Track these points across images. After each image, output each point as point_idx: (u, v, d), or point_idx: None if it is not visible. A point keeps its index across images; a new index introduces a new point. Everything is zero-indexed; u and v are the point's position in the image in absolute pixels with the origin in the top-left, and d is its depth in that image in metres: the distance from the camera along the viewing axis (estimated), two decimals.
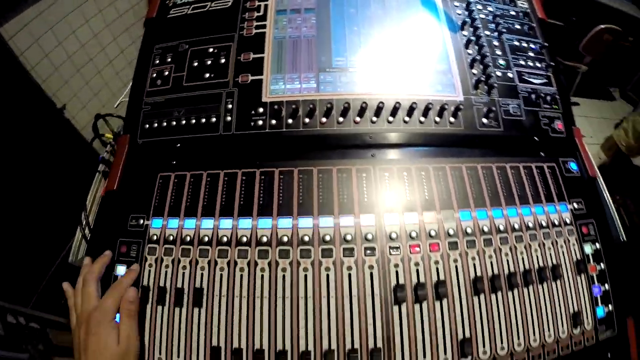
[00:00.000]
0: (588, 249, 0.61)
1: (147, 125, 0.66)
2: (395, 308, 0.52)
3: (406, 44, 0.68)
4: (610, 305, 0.59)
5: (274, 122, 0.62)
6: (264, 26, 0.68)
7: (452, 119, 0.63)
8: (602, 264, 0.61)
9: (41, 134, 1.49)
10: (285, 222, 0.56)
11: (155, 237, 0.57)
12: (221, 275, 0.54)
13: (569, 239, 0.60)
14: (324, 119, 0.62)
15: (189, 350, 0.51)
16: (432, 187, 0.59)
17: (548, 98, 0.67)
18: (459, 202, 0.59)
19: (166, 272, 0.55)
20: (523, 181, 0.62)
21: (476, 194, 0.59)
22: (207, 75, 0.66)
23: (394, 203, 0.57)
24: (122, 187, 0.63)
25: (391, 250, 0.55)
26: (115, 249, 0.58)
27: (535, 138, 0.65)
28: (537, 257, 0.58)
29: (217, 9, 0.72)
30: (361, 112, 0.62)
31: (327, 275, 0.53)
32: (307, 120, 0.62)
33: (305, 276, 0.53)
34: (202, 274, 0.54)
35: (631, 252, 0.69)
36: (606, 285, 0.60)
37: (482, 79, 0.65)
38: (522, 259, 0.57)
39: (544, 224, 0.60)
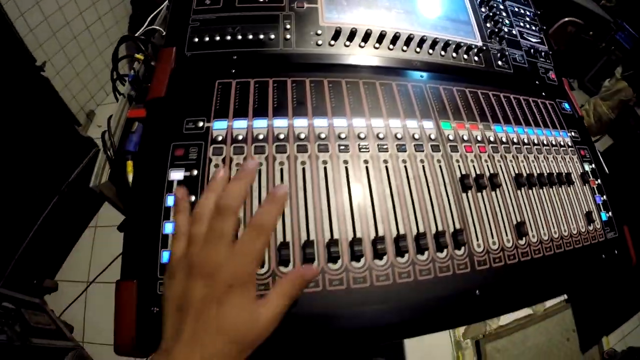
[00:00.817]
0: (587, 166, 0.75)
1: (197, 39, 0.65)
2: (464, 195, 0.58)
3: None
4: (610, 212, 0.72)
5: (332, 42, 0.66)
6: None
7: (476, 58, 0.75)
8: (598, 180, 0.75)
9: (20, 88, 1.25)
10: (359, 122, 0.59)
11: (220, 138, 0.55)
12: (303, 169, 0.53)
13: (573, 157, 0.73)
14: (377, 44, 0.68)
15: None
16: (470, 105, 0.68)
17: (542, 53, 0.84)
18: (492, 118, 0.68)
19: (237, 170, 0.53)
20: (534, 110, 0.75)
21: (502, 114, 0.70)
22: None
23: (446, 113, 0.65)
24: (171, 94, 0.59)
25: (451, 148, 0.61)
26: (167, 154, 0.54)
27: (537, 82, 0.80)
28: (554, 165, 0.70)
29: None
30: (408, 41, 0.70)
31: (405, 167, 0.57)
32: (362, 44, 0.68)
33: (386, 167, 0.56)
34: (281, 169, 0.53)
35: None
36: (604, 197, 0.73)
37: (495, 31, 0.79)
38: (545, 165, 0.68)
39: (553, 142, 0.72)
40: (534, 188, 0.64)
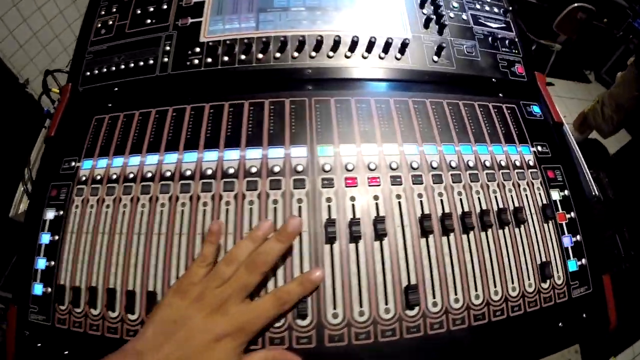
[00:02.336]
0: (555, 195, 0.54)
1: (88, 73, 0.64)
2: (327, 247, 0.46)
3: None
4: (583, 259, 0.52)
5: (209, 60, 0.59)
6: None
7: (398, 55, 0.59)
8: (572, 213, 0.53)
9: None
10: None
11: (84, 178, 0.54)
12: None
13: (533, 182, 0.54)
14: (260, 55, 0.59)
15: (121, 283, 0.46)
16: (373, 120, 0.54)
17: (507, 42, 0.63)
18: (402, 135, 0.53)
19: (90, 212, 0.51)
20: (478, 119, 0.56)
21: (424, 129, 0.54)
22: (149, 21, 0.64)
23: (330, 135, 0.52)
24: (59, 134, 0.60)
25: (323, 182, 0.49)
26: (46, 193, 0.55)
27: (493, 79, 0.60)
28: (496, 198, 0.51)
29: None
30: (299, 47, 0.58)
31: (251, 209, 0.48)
32: (242, 57, 0.59)
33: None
34: (124, 212, 0.50)
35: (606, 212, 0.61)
36: (578, 237, 0.53)
37: (432, 17, 0.61)
38: (479, 199, 0.51)
39: (503, 164, 0.54)
40: (451, 234, 0.48)
